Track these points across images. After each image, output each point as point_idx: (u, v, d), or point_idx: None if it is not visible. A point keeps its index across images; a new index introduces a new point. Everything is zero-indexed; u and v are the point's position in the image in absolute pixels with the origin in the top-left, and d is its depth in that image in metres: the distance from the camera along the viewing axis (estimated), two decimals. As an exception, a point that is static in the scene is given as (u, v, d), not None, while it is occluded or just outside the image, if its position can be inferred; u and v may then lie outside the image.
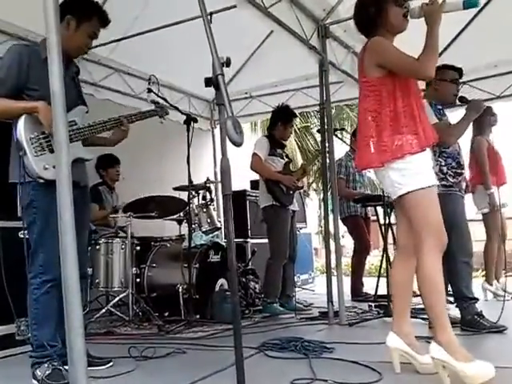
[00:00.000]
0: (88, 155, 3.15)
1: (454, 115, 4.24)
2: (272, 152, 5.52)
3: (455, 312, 4.09)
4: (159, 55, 5.92)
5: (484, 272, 6.18)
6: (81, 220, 2.93)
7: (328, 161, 5.05)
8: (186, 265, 4.91)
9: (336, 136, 5.28)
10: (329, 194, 5.45)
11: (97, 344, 3.80)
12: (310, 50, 4.94)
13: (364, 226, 6.59)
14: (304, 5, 4.88)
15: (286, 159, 5.71)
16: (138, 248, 5.14)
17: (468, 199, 5.23)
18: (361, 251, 6.63)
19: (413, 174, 2.70)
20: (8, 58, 2.91)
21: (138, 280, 5.07)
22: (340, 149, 6.85)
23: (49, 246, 2.72)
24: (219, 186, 6.24)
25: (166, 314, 4.95)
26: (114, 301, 4.82)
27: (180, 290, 4.89)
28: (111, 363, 3.19)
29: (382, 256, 5.62)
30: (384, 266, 5.39)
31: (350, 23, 5.12)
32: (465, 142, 5.37)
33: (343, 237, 7.89)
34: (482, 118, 4.82)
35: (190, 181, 4.92)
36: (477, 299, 4.05)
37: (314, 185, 17.34)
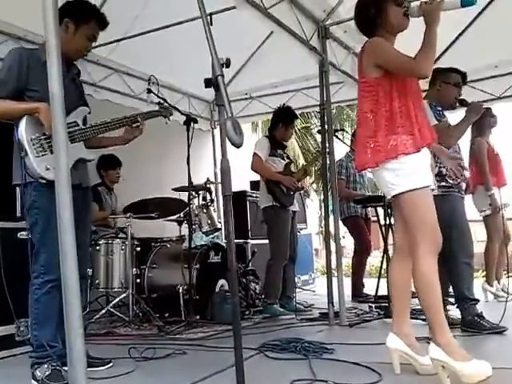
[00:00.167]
0: (90, 156, 3.16)
1: (454, 116, 4.24)
2: (273, 153, 5.52)
3: (455, 313, 4.09)
4: (159, 56, 5.92)
5: (484, 273, 6.18)
6: (82, 221, 2.95)
7: (328, 161, 5.05)
8: (186, 265, 4.91)
9: (336, 137, 5.28)
10: (329, 194, 5.44)
11: (97, 345, 3.80)
12: (310, 51, 4.94)
13: (364, 226, 6.59)
14: (304, 6, 4.88)
15: (287, 160, 5.71)
16: (138, 249, 5.13)
17: (468, 200, 5.24)
18: (361, 252, 6.63)
19: (407, 174, 2.70)
20: (8, 60, 2.93)
21: (138, 281, 5.07)
22: (340, 149, 6.86)
23: (50, 246, 2.72)
24: (219, 186, 6.23)
25: (166, 314, 4.95)
26: (114, 301, 4.82)
27: (180, 290, 4.89)
28: (111, 364, 3.18)
29: (383, 257, 5.62)
30: (384, 266, 5.38)
31: (351, 24, 5.16)
32: (464, 144, 5.38)
33: (344, 237, 7.90)
34: (482, 120, 4.83)
35: (190, 181, 4.92)
36: (477, 300, 4.04)
37: (314, 185, 17.34)
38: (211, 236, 5.58)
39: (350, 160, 6.52)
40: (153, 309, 4.90)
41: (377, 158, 2.75)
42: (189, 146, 4.69)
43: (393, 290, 3.02)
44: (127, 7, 5.17)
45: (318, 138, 13.81)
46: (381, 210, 5.58)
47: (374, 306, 5.22)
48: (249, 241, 6.67)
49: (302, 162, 14.71)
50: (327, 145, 4.98)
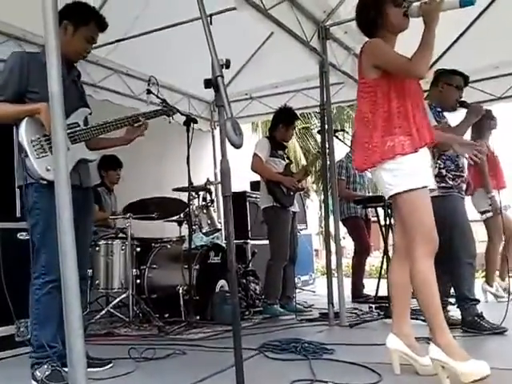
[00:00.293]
0: (92, 156, 3.17)
1: (454, 117, 4.24)
2: (273, 153, 5.52)
3: (455, 314, 4.09)
4: (159, 56, 5.91)
5: (484, 273, 6.18)
6: (83, 222, 2.96)
7: (328, 162, 5.05)
8: (186, 266, 4.91)
9: (336, 137, 5.28)
10: (329, 195, 5.44)
11: (97, 345, 3.81)
12: (310, 52, 4.94)
13: (364, 227, 6.59)
14: (304, 6, 4.88)
15: (287, 161, 5.71)
16: (138, 249, 5.14)
17: (467, 201, 5.24)
18: (361, 252, 6.63)
19: (404, 174, 2.70)
20: (9, 63, 2.97)
21: (138, 281, 5.08)
22: (340, 150, 6.86)
23: (51, 246, 2.72)
24: (219, 187, 6.23)
25: (166, 315, 4.95)
26: (114, 302, 4.81)
27: (180, 291, 4.89)
28: (111, 364, 3.19)
29: (383, 257, 5.62)
30: (385, 267, 5.38)
31: (351, 25, 5.20)
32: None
33: (344, 238, 7.90)
34: (482, 122, 4.83)
35: (190, 182, 4.92)
36: (478, 301, 4.05)
37: (314, 186, 17.35)
38: (211, 236, 5.57)
39: (350, 160, 6.52)
40: (153, 309, 4.91)
41: (373, 158, 2.76)
42: (189, 147, 4.69)
43: (393, 290, 3.02)
44: (127, 8, 5.18)
45: (319, 138, 13.81)
46: (381, 211, 5.58)
47: (374, 306, 5.22)
48: (249, 241, 6.66)
49: (303, 162, 14.73)
50: (327, 145, 4.98)
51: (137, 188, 6.15)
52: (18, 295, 3.07)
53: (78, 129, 3.04)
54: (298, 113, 6.45)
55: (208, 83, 2.05)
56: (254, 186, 6.84)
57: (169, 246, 5.48)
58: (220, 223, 5.48)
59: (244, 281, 5.63)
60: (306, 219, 8.17)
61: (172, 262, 5.23)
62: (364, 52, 2.87)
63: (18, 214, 3.68)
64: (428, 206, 2.73)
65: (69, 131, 2.88)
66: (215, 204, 5.59)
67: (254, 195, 6.73)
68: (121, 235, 5.23)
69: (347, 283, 5.62)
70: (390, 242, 5.25)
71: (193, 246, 5.05)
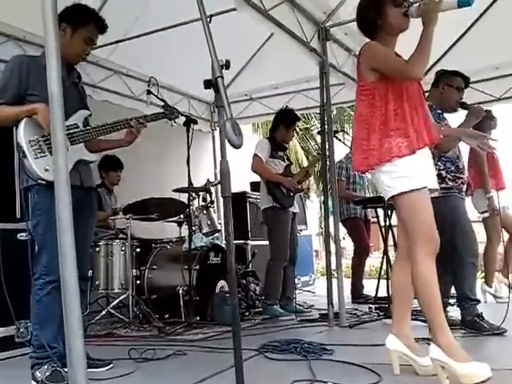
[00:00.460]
0: (91, 157, 3.17)
1: (454, 118, 4.25)
2: (273, 154, 5.52)
3: (455, 314, 4.09)
4: (159, 57, 5.92)
5: (483, 274, 6.18)
6: (84, 222, 2.97)
7: (328, 163, 5.05)
8: (186, 267, 4.91)
9: (336, 138, 5.28)
10: (329, 195, 5.44)
11: (97, 346, 3.81)
12: (310, 53, 4.94)
13: (364, 227, 6.60)
14: (304, 7, 4.88)
15: (287, 162, 5.72)
16: (138, 250, 5.15)
17: (468, 202, 5.24)
18: (360, 253, 6.63)
19: (402, 176, 2.70)
20: (9, 66, 2.99)
21: (138, 282, 5.08)
22: (340, 150, 6.87)
23: (52, 247, 2.72)
24: (219, 187, 6.23)
25: (166, 315, 4.95)
26: (114, 303, 4.82)
27: (180, 291, 4.89)
28: (111, 365, 3.19)
29: (383, 258, 5.62)
30: (384, 267, 5.39)
31: (351, 26, 5.21)
32: (465, 146, 5.38)
33: (344, 239, 7.91)
34: (482, 123, 4.83)
35: (190, 182, 4.92)
36: (478, 301, 4.06)
37: (314, 186, 17.34)
38: (211, 237, 5.58)
39: (350, 161, 6.52)
40: (153, 310, 4.91)
41: (371, 160, 2.77)
42: (189, 147, 4.69)
43: (395, 292, 3.02)
44: (127, 8, 5.18)
45: (319, 139, 13.81)
46: (381, 211, 5.59)
47: (373, 307, 5.22)
48: (249, 242, 6.68)
49: (304, 163, 14.74)
50: (327, 146, 4.99)
51: (137, 189, 6.15)
52: (18, 296, 3.08)
53: (76, 130, 3.05)
54: (298, 113, 6.46)
55: (208, 84, 2.05)
56: (254, 186, 6.84)
57: (169, 247, 5.48)
58: (220, 224, 5.48)
59: (244, 281, 5.63)
60: (306, 220, 8.18)
61: (172, 263, 5.23)
62: (362, 55, 2.87)
63: (18, 215, 3.70)
64: (428, 206, 2.72)
65: (68, 132, 2.89)
66: (215, 205, 5.60)
67: (254, 196, 6.73)
68: (121, 236, 5.24)
69: (347, 284, 5.63)
70: (390, 242, 5.28)
71: (193, 247, 5.05)
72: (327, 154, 5.03)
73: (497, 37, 5.73)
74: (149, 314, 4.83)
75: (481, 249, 5.79)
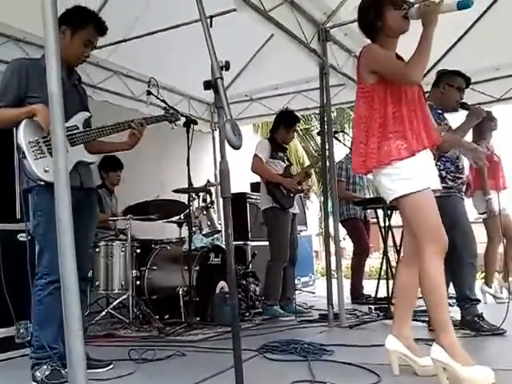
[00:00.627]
0: (91, 158, 3.17)
1: (454, 118, 4.25)
2: (273, 155, 5.52)
3: (455, 314, 4.09)
4: (159, 57, 5.92)
5: (483, 274, 6.18)
6: (85, 222, 2.97)
7: (328, 163, 5.05)
8: (186, 267, 4.91)
9: (336, 138, 5.28)
10: (329, 196, 5.45)
11: (97, 346, 3.81)
12: (310, 54, 4.94)
13: (363, 228, 6.60)
14: (304, 8, 4.89)
15: (287, 163, 5.72)
16: (138, 250, 5.14)
17: (468, 203, 5.24)
18: (360, 254, 6.64)
19: (402, 179, 2.70)
20: (8, 69, 3.01)
21: (138, 282, 5.08)
22: (340, 151, 6.87)
23: (53, 247, 2.73)
24: (219, 188, 6.24)
25: (166, 316, 4.95)
26: (114, 303, 4.81)
27: (180, 292, 4.89)
28: (111, 366, 3.19)
29: (382, 258, 5.62)
30: (384, 268, 5.39)
31: (351, 27, 5.21)
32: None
33: (344, 239, 7.91)
34: (482, 123, 4.84)
35: (190, 183, 4.92)
36: (478, 301, 4.06)
37: (314, 187, 17.35)
38: (211, 238, 5.58)
39: (349, 162, 6.52)
40: (153, 310, 4.91)
41: (370, 164, 2.77)
42: (188, 148, 4.69)
43: (398, 293, 3.02)
44: (127, 9, 5.19)
45: (319, 139, 13.83)
46: (380, 212, 5.59)
47: (373, 307, 5.22)
48: (249, 242, 6.67)
49: (305, 163, 14.75)
50: (327, 147, 4.99)
51: (137, 189, 6.15)
52: (18, 297, 3.08)
53: (76, 131, 3.05)
54: (298, 114, 6.46)
55: (207, 85, 2.05)
56: (254, 187, 6.84)
57: (169, 248, 5.48)
58: (220, 224, 5.48)
59: (244, 282, 5.63)
60: (306, 220, 8.18)
61: (172, 264, 5.23)
62: (362, 57, 2.87)
63: (18, 216, 3.70)
64: (433, 205, 2.72)
65: (67, 133, 2.89)
66: (215, 205, 5.60)
67: (254, 196, 6.73)
68: (121, 236, 5.24)
69: (347, 284, 5.63)
70: (390, 243, 5.28)
71: (193, 248, 5.05)
72: (327, 154, 5.03)
73: (497, 38, 5.74)
74: (149, 314, 4.83)
75: (481, 249, 5.84)
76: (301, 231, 7.08)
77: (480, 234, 5.92)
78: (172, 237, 5.68)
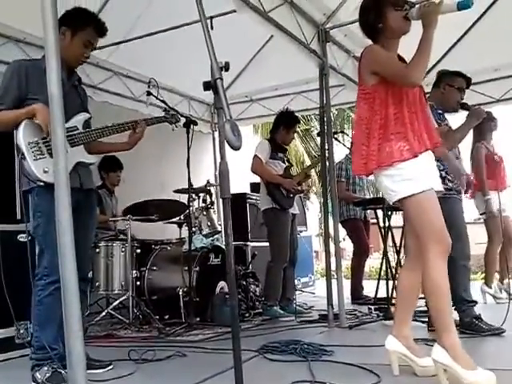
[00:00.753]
0: (90, 159, 3.18)
1: (454, 119, 4.26)
2: (273, 155, 5.53)
3: (453, 315, 4.09)
4: (159, 58, 5.93)
5: (483, 275, 6.18)
6: (85, 223, 2.98)
7: (328, 164, 5.05)
8: (186, 268, 4.92)
9: (336, 139, 5.28)
10: (328, 196, 5.45)
11: (97, 347, 3.81)
12: (310, 54, 4.95)
13: (363, 228, 6.60)
14: (304, 9, 4.89)
15: (287, 163, 5.73)
16: (139, 251, 5.15)
17: (470, 204, 5.27)
18: (360, 254, 6.64)
19: (404, 180, 2.69)
20: (8, 71, 3.02)
21: (138, 283, 5.08)
22: (340, 152, 6.88)
23: (53, 248, 2.74)
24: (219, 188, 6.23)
25: (167, 316, 4.96)
26: (115, 304, 4.81)
27: (180, 292, 4.89)
28: (111, 366, 3.19)
29: (382, 259, 5.62)
30: (384, 268, 5.39)
31: (351, 28, 5.21)
32: (466, 148, 5.41)
33: (344, 240, 7.92)
34: (483, 124, 4.84)
35: (190, 184, 4.92)
36: (475, 302, 4.05)
37: (314, 188, 17.36)
38: (211, 238, 5.59)
39: (349, 162, 6.53)
40: (153, 311, 4.91)
41: (370, 165, 2.76)
42: (188, 149, 4.69)
43: (399, 294, 3.02)
44: (127, 10, 5.19)
45: (319, 140, 13.83)
46: (380, 213, 5.59)
47: (373, 307, 5.22)
48: (249, 243, 6.67)
49: (306, 163, 14.76)
50: (327, 147, 4.99)
51: (137, 190, 6.16)
52: (18, 297, 3.08)
53: (76, 132, 3.06)
54: (298, 115, 6.47)
55: (207, 86, 2.05)
56: (254, 187, 6.84)
57: (169, 248, 5.49)
58: (220, 225, 5.48)
59: (244, 282, 5.63)
60: (306, 221, 8.19)
61: (172, 264, 5.23)
62: (363, 58, 2.86)
63: (19, 216, 3.70)
64: (436, 206, 2.71)
65: (67, 134, 2.89)
66: (215, 206, 5.60)
67: (254, 197, 6.74)
68: (121, 237, 5.24)
69: (347, 285, 5.63)
70: (390, 243, 5.28)
71: (193, 248, 5.05)
72: (327, 155, 5.04)
73: (496, 38, 5.75)
74: (149, 315, 4.83)
75: (482, 250, 5.85)
76: (301, 232, 7.09)
77: (480, 234, 5.94)
78: (172, 237, 5.69)
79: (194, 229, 5.18)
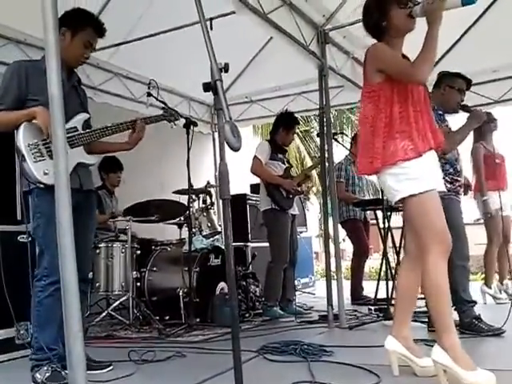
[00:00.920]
0: (90, 160, 3.18)
1: (454, 120, 4.26)
2: (273, 156, 5.53)
3: (453, 315, 4.09)
4: (159, 59, 5.93)
5: (483, 275, 6.18)
6: (85, 224, 2.98)
7: (327, 165, 5.06)
8: (186, 268, 4.91)
9: (335, 140, 5.29)
10: (328, 197, 5.46)
11: (97, 348, 3.81)
12: (309, 56, 4.95)
13: (363, 229, 6.60)
14: (303, 11, 4.89)
15: (287, 164, 5.73)
16: (139, 252, 5.15)
17: (470, 204, 5.27)
18: (359, 255, 6.64)
19: (408, 179, 2.68)
20: (8, 71, 3.03)
21: (138, 284, 5.08)
22: (340, 152, 6.88)
23: (53, 249, 2.75)
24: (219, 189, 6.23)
25: (167, 317, 4.96)
26: (115, 304, 4.82)
27: (180, 293, 4.89)
28: (111, 367, 3.19)
29: (382, 259, 5.63)
30: (384, 269, 5.40)
31: (350, 29, 5.22)
32: (466, 148, 5.40)
33: (344, 240, 7.93)
34: (483, 125, 4.84)
35: (190, 184, 4.93)
36: (475, 302, 4.05)
37: (314, 188, 17.36)
38: (211, 239, 5.59)
39: (349, 163, 6.55)
40: (153, 312, 4.92)
41: (375, 164, 2.75)
42: (188, 149, 4.69)
43: (398, 294, 3.02)
44: (128, 11, 5.20)
45: (319, 141, 13.82)
46: (380, 213, 5.60)
47: (373, 308, 5.22)
48: (249, 244, 6.67)
49: (307, 164, 14.76)
50: (326, 148, 5.00)
51: (137, 191, 6.16)
52: (19, 298, 3.09)
53: (75, 133, 3.07)
54: (298, 116, 6.47)
55: (207, 87, 2.06)
56: (254, 188, 6.84)
57: (169, 249, 5.49)
58: (220, 226, 5.49)
59: (244, 283, 5.63)
60: (306, 222, 8.19)
61: (172, 265, 5.24)
62: (368, 56, 2.85)
63: (19, 217, 3.71)
64: (438, 207, 2.71)
65: (67, 135, 2.90)
66: (215, 207, 5.60)
67: (254, 198, 6.73)
68: (121, 237, 5.24)
69: (347, 285, 5.63)
70: (389, 244, 5.29)
71: (193, 249, 5.05)
72: (326, 156, 5.04)
73: (495, 40, 5.75)
74: (149, 315, 4.84)
75: (481, 250, 5.86)
76: (301, 232, 7.10)
77: (480, 235, 5.95)
78: (172, 238, 5.69)
79: (194, 230, 5.18)
